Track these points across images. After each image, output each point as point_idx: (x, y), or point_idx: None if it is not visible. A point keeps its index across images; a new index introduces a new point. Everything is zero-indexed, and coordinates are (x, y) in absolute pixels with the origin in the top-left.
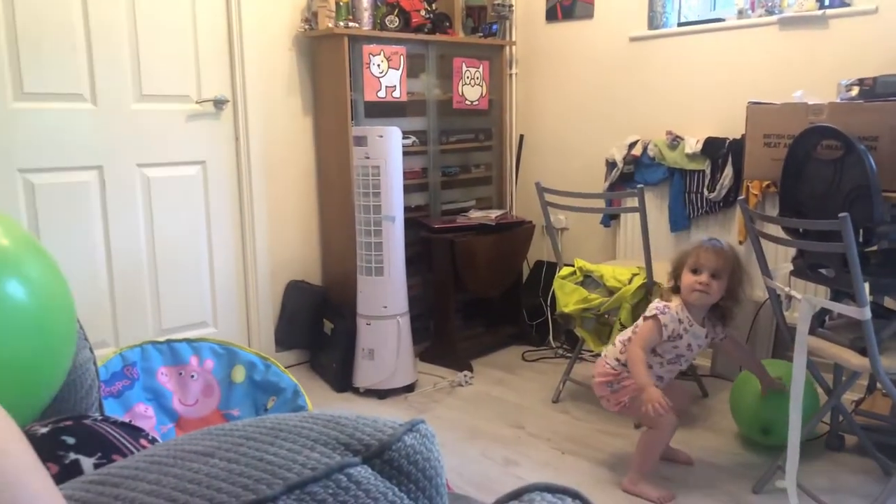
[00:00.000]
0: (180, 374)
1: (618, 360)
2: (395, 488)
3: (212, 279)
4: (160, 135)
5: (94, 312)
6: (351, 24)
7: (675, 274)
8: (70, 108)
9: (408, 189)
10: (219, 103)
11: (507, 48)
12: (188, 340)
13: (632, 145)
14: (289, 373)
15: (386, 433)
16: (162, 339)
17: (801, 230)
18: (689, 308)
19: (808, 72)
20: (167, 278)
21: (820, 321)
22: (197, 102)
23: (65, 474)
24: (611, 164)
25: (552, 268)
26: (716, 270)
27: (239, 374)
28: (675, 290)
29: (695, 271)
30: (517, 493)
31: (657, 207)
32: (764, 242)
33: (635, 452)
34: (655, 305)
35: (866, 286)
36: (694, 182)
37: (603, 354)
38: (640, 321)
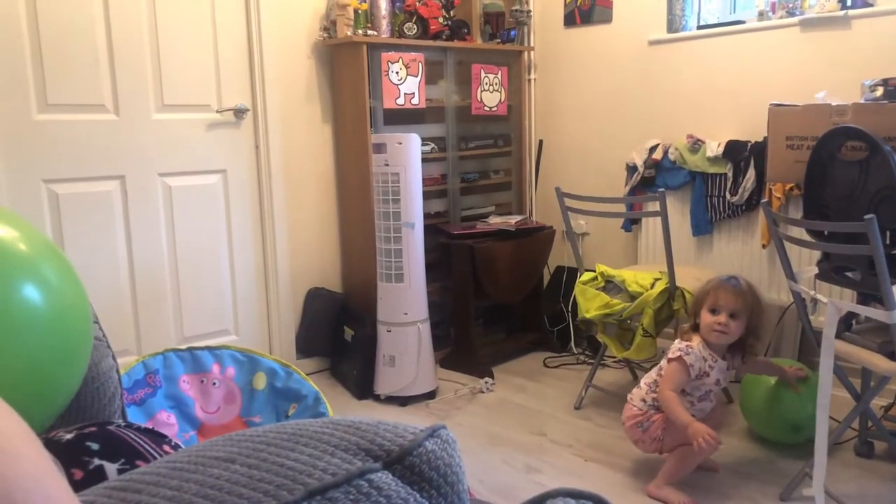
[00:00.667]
0: (202, 381)
1: (644, 400)
2: (416, 494)
3: (233, 287)
4: (181, 144)
5: (117, 321)
6: (370, 31)
7: (694, 312)
8: (93, 118)
9: (427, 195)
10: (239, 112)
11: (526, 54)
12: (210, 348)
13: (652, 149)
14: (310, 380)
15: (407, 439)
16: (184, 346)
17: (825, 233)
18: (710, 345)
19: (830, 73)
20: (189, 286)
21: (847, 325)
22: (217, 112)
23: (89, 480)
24: (631, 169)
25: (573, 273)
26: (734, 311)
27: (260, 382)
28: (695, 328)
29: (713, 311)
30: (540, 499)
31: (679, 212)
32: (788, 246)
33: (668, 460)
34: (678, 346)
35: (894, 289)
36: (716, 186)
37: (628, 398)
38: (663, 363)
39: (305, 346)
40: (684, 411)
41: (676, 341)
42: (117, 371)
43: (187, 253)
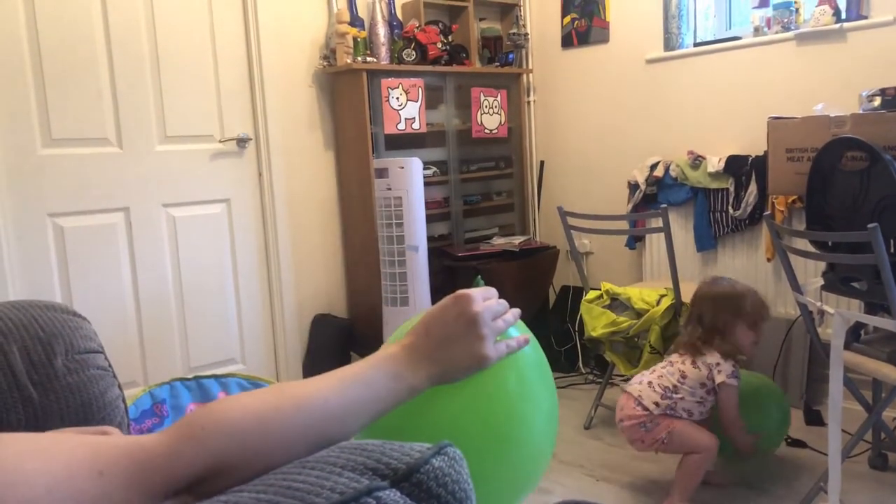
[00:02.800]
0: None
1: (657, 404)
2: None
3: (239, 315)
4: (185, 174)
5: (124, 352)
6: (369, 58)
7: (725, 322)
8: (97, 152)
9: (430, 219)
10: (241, 141)
11: (524, 76)
12: (216, 376)
13: (653, 166)
14: None
15: (413, 456)
16: (190, 376)
17: (829, 243)
18: (728, 355)
19: (827, 85)
20: (195, 316)
21: (855, 335)
22: (220, 141)
23: None
24: (633, 186)
25: (579, 292)
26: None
27: None
28: (710, 336)
29: (754, 325)
30: None
31: (682, 227)
32: (793, 258)
33: (677, 477)
34: (724, 370)
35: None
36: (718, 201)
37: (637, 396)
38: (681, 366)
39: (313, 372)
40: (747, 436)
41: (717, 361)
42: (123, 401)
43: (192, 282)
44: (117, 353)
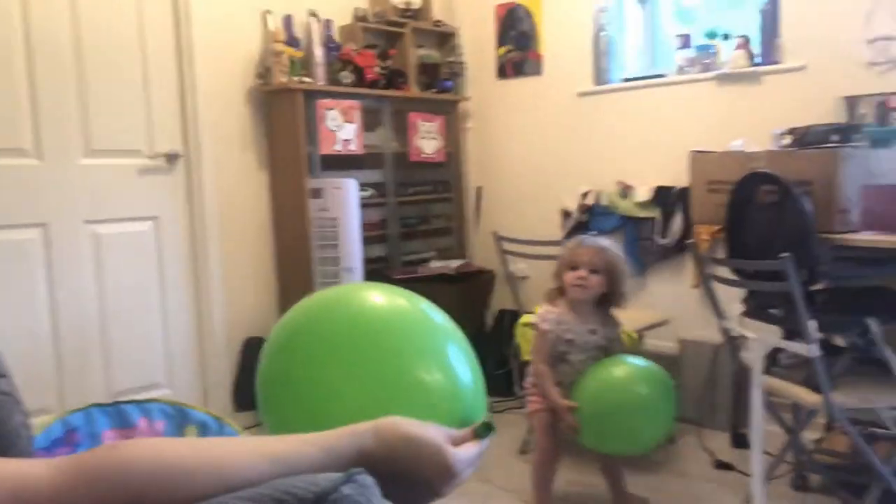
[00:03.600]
0: (128, 437)
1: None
2: None
3: (165, 338)
4: (110, 190)
5: (37, 378)
6: (305, 79)
7: (558, 275)
8: (13, 163)
9: (367, 241)
10: (171, 157)
11: (461, 103)
12: (137, 402)
13: (585, 195)
14: (245, 433)
15: (321, 485)
16: (110, 402)
17: (749, 271)
18: (575, 305)
19: (744, 123)
20: (118, 339)
21: (774, 360)
22: (149, 157)
23: None
24: (566, 214)
25: (515, 316)
26: (593, 265)
27: (191, 435)
28: (561, 291)
29: (573, 268)
30: None
31: None
32: (717, 286)
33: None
34: (538, 313)
35: (814, 324)
36: (646, 229)
37: None
38: None
39: (243, 398)
40: (552, 387)
41: (542, 306)
42: (27, 427)
43: (116, 303)
44: (30, 379)
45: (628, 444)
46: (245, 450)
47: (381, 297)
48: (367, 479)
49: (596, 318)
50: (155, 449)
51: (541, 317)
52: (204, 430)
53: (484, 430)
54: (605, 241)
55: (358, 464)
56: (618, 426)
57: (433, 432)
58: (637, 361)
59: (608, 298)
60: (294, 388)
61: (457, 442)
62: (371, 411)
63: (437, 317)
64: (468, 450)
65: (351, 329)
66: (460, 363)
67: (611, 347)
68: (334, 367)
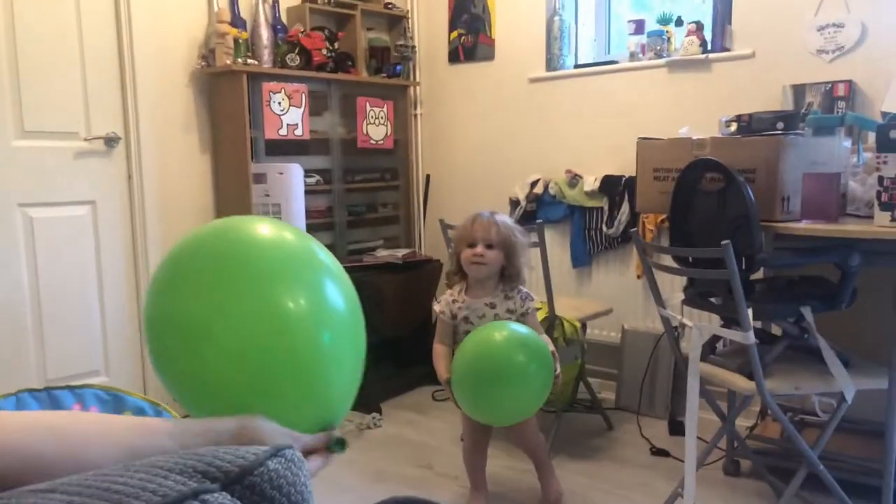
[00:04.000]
0: None
1: None
2: None
3: (103, 325)
4: (45, 173)
5: None
6: (250, 61)
7: (456, 254)
8: None
9: (313, 228)
10: (110, 141)
11: (412, 88)
12: (70, 387)
13: (534, 184)
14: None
15: (248, 459)
16: (41, 387)
17: (690, 259)
18: (476, 284)
19: (693, 110)
20: (53, 326)
21: (712, 348)
22: (86, 140)
23: None
24: (514, 203)
25: None
26: (488, 240)
27: None
28: (461, 271)
29: (471, 245)
30: None
31: (559, 244)
32: (659, 275)
33: None
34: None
35: (750, 312)
36: (593, 219)
37: None
38: None
39: None
40: (441, 363)
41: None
42: None
43: (51, 288)
44: None
45: (495, 413)
46: (105, 441)
47: (267, 230)
48: (295, 455)
49: (497, 294)
50: (9, 433)
51: (437, 302)
52: (140, 415)
53: (337, 446)
54: (502, 216)
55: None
56: (482, 394)
57: (287, 441)
58: (511, 327)
59: (508, 273)
60: (172, 328)
61: (307, 450)
62: (243, 353)
63: (321, 253)
64: (314, 462)
65: (229, 262)
66: (335, 295)
67: (521, 323)
68: (209, 304)
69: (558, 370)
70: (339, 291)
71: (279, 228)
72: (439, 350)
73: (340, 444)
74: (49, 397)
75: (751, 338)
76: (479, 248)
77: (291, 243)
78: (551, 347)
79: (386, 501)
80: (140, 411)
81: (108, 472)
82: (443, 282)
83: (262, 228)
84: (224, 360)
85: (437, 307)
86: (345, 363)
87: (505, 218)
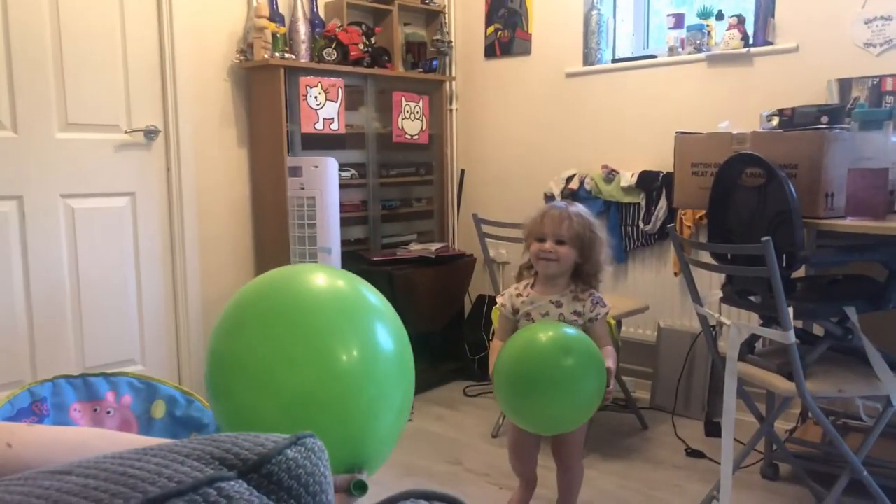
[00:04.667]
0: (95, 409)
1: None
2: None
3: (140, 315)
4: (87, 165)
5: (10, 350)
6: (287, 55)
7: (527, 248)
8: None
9: (347, 222)
10: (150, 133)
11: (447, 83)
12: (105, 374)
13: (569, 179)
14: None
15: (267, 447)
16: (76, 373)
17: (729, 256)
18: (545, 280)
19: (733, 104)
20: (92, 314)
21: (750, 348)
22: (126, 132)
23: None
24: (549, 198)
25: (494, 302)
26: (560, 236)
27: (159, 410)
28: (530, 265)
29: (540, 240)
30: (391, 501)
31: None
32: (697, 272)
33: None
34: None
35: (791, 311)
36: (630, 215)
37: None
38: None
39: None
40: (493, 361)
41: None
42: None
43: (91, 278)
44: (2, 352)
45: (536, 421)
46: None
47: (323, 281)
48: (316, 444)
49: (566, 293)
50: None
51: (500, 295)
52: (172, 404)
53: (357, 489)
54: (577, 207)
55: None
56: (524, 399)
57: None
58: (563, 329)
59: (583, 270)
60: (236, 365)
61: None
62: (295, 395)
63: (373, 299)
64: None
65: (292, 314)
66: (385, 346)
67: (587, 328)
68: (273, 350)
69: (611, 386)
70: (390, 341)
71: (334, 278)
72: (496, 346)
73: (361, 487)
74: (84, 384)
75: (791, 337)
76: (549, 244)
77: (346, 295)
78: (609, 363)
79: (400, 495)
80: (172, 400)
81: (124, 455)
82: (475, 276)
83: (320, 279)
84: (277, 400)
85: (499, 300)
86: (386, 415)
87: (581, 209)
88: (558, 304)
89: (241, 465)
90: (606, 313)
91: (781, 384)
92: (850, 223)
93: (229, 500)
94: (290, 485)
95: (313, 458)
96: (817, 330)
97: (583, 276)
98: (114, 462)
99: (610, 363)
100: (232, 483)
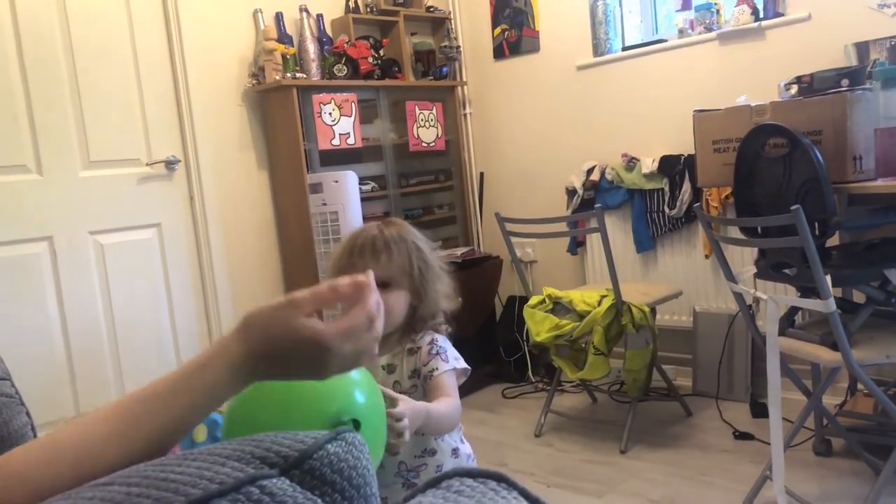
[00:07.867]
0: None
1: None
2: (316, 499)
3: (175, 343)
4: (111, 200)
5: (53, 387)
6: (299, 75)
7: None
8: (14, 180)
9: None
10: (170, 164)
11: (459, 88)
12: None
13: (590, 171)
14: None
15: (307, 443)
16: None
17: (759, 230)
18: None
19: (748, 79)
20: (128, 346)
21: (790, 321)
22: (148, 165)
23: None
24: (571, 192)
25: (525, 302)
26: (380, 277)
27: (201, 434)
28: None
29: None
30: (437, 480)
31: (621, 230)
32: (729, 250)
33: None
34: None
35: (829, 279)
36: (654, 201)
37: None
38: None
39: None
40: None
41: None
42: (32, 428)
43: (125, 311)
44: (46, 390)
45: None
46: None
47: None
48: (356, 438)
49: (399, 351)
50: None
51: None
52: (214, 428)
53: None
54: (394, 225)
55: (240, 376)
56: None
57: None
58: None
59: (418, 314)
60: (249, 422)
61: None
62: None
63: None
64: (341, 323)
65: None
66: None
67: (425, 389)
68: (278, 412)
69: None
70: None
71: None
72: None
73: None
74: None
75: (832, 305)
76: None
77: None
78: (404, 407)
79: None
80: (213, 423)
81: (165, 461)
82: (504, 278)
83: None
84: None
85: None
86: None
87: (401, 226)
88: (391, 370)
89: (283, 463)
90: (451, 370)
91: (826, 355)
92: (881, 184)
93: (273, 498)
94: (334, 479)
95: (354, 452)
96: (857, 297)
97: (416, 321)
98: (154, 468)
99: (405, 408)
100: (274, 480)
